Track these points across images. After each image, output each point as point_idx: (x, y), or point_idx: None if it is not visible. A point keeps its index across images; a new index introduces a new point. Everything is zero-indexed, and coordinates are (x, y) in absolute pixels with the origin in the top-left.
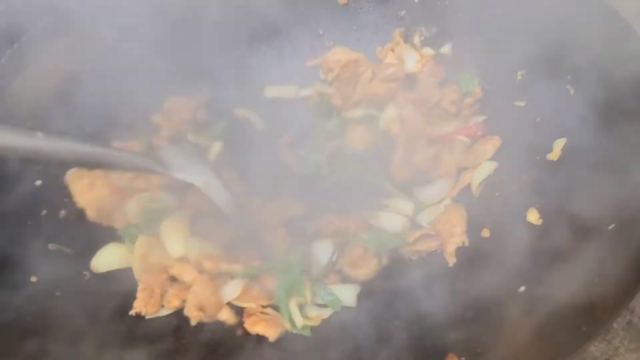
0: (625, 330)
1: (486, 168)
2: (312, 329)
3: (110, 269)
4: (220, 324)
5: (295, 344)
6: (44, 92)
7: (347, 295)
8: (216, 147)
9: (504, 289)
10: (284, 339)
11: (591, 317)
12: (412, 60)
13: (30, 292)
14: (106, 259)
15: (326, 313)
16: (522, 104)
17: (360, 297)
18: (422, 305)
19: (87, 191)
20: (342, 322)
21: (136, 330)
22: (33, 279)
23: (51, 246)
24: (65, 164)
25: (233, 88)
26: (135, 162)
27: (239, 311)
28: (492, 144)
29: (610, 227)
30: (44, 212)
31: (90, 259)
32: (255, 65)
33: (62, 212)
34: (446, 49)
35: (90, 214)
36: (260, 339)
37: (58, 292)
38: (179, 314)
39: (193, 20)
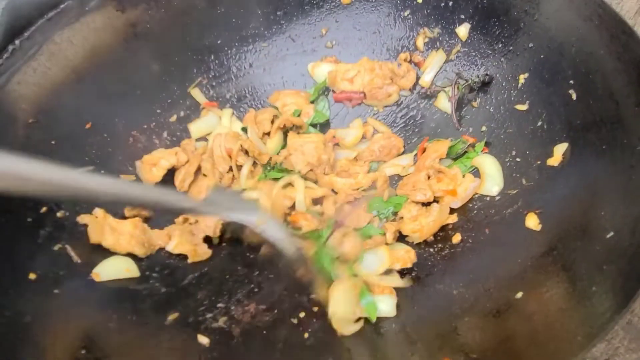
0: (625, 330)
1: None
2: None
3: (113, 279)
4: None
5: None
6: (46, 88)
7: (386, 305)
8: None
9: (501, 293)
10: None
11: (591, 321)
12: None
13: (28, 289)
14: (111, 269)
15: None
16: (524, 107)
17: None
18: (418, 308)
19: (119, 238)
20: None
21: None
22: (32, 276)
23: (56, 247)
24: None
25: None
26: (181, 203)
27: None
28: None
29: (608, 236)
30: (44, 209)
31: (88, 256)
32: (257, 63)
33: (61, 211)
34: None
35: (140, 253)
36: None
37: (57, 289)
38: None
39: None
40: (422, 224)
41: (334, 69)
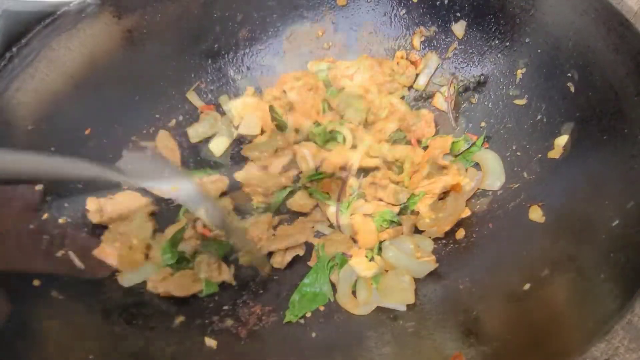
0: (625, 330)
1: None
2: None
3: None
4: None
5: None
6: (44, 94)
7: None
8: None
9: (508, 286)
10: None
11: (603, 307)
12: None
13: (33, 296)
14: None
15: None
16: (522, 102)
17: None
18: (425, 304)
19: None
20: None
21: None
22: (36, 282)
23: (59, 254)
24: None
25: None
26: (87, 170)
27: None
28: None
29: (614, 224)
30: (46, 215)
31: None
32: (254, 66)
33: (63, 217)
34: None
35: None
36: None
37: (61, 296)
38: None
39: (195, 20)
40: (438, 218)
41: (333, 66)
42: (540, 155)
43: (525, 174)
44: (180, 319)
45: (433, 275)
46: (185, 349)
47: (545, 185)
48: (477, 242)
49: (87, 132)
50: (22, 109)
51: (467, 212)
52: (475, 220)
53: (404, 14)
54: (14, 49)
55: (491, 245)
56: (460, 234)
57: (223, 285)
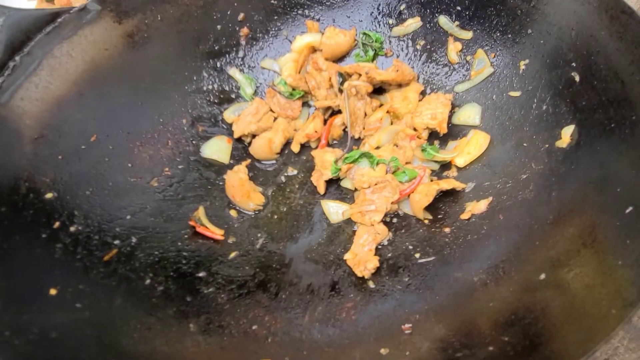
0: (625, 330)
1: None
2: None
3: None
4: None
5: None
6: (49, 103)
7: None
8: None
9: (523, 276)
10: None
11: (625, 293)
12: None
13: (51, 305)
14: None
15: None
16: (517, 94)
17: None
18: (440, 297)
19: None
20: None
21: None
22: (53, 291)
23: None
24: None
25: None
26: None
27: None
28: None
29: (627, 211)
30: (57, 224)
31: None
32: (255, 65)
33: (74, 225)
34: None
35: None
36: None
37: (78, 303)
38: None
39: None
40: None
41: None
42: (547, 146)
43: (533, 165)
44: (196, 321)
45: (446, 268)
46: (203, 350)
47: (555, 175)
48: (488, 233)
49: (92, 138)
50: (27, 118)
51: (479, 208)
52: (485, 213)
53: (404, 9)
54: (17, 58)
55: (503, 237)
56: (466, 215)
57: (224, 287)
